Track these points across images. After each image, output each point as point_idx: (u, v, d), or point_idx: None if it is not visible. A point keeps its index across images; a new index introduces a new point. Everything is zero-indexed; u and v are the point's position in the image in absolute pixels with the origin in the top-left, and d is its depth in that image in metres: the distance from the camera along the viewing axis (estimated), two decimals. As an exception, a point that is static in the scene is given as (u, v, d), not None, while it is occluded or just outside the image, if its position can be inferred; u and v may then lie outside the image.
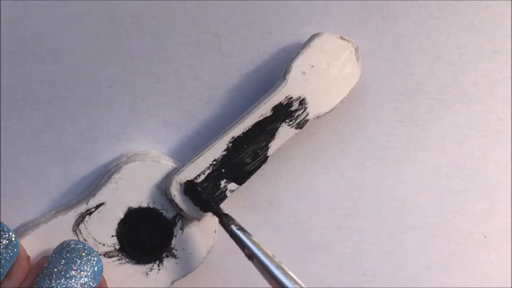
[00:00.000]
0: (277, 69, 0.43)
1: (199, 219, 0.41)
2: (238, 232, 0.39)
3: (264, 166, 0.41)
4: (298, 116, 0.41)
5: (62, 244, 0.38)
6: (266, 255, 0.38)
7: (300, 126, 0.41)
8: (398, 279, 0.46)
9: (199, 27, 0.42)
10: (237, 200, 0.44)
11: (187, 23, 0.42)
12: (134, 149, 0.43)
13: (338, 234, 0.45)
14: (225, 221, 0.39)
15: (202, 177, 0.40)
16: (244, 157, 0.41)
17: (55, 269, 0.37)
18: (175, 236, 0.41)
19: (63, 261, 0.38)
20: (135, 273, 0.41)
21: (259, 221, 0.44)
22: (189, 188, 0.40)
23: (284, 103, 0.41)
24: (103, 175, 0.42)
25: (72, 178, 0.42)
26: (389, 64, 0.44)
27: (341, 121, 0.44)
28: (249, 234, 0.39)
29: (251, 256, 0.38)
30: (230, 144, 0.40)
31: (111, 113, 0.42)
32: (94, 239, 0.40)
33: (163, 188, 0.41)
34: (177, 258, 0.41)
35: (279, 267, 0.37)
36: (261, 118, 0.41)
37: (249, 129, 0.41)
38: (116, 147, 0.43)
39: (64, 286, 0.37)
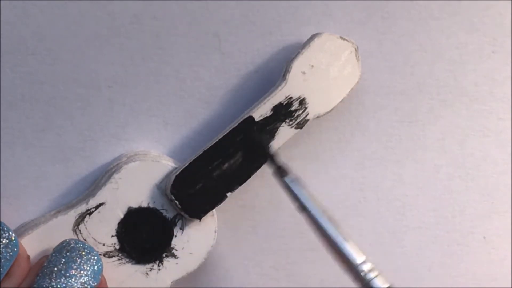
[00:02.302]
0: (277, 69, 0.43)
1: (199, 219, 0.41)
2: (292, 184, 0.39)
3: (264, 166, 0.41)
4: (298, 116, 0.41)
5: (62, 243, 0.38)
6: (318, 209, 0.38)
7: (300, 126, 0.41)
8: (398, 279, 0.46)
9: (199, 27, 0.42)
10: (237, 200, 0.44)
11: (187, 23, 0.42)
12: (134, 149, 0.43)
13: (338, 234, 0.45)
14: (280, 173, 0.39)
15: (202, 177, 0.40)
16: (244, 157, 0.41)
17: (55, 268, 0.37)
18: (175, 236, 0.41)
19: (63, 260, 0.38)
20: (135, 273, 0.41)
21: (259, 221, 0.44)
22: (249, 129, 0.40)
23: (284, 103, 0.41)
24: (103, 175, 0.42)
25: (72, 178, 0.42)
26: (389, 64, 0.44)
27: (341, 121, 0.44)
28: (302, 187, 0.39)
29: (302, 208, 0.38)
30: (230, 144, 0.40)
31: (111, 113, 0.42)
32: (94, 239, 0.40)
33: (163, 188, 0.41)
34: (177, 258, 0.41)
35: (331, 220, 0.38)
36: (261, 118, 0.41)
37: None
38: (116, 147, 0.43)
39: (64, 285, 0.37)
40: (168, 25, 0.42)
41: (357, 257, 0.37)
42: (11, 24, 0.41)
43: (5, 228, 0.37)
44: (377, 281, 0.37)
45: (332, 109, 0.42)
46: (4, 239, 0.37)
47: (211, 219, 0.41)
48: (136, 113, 0.43)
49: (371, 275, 0.37)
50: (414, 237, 0.46)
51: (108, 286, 0.40)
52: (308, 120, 0.41)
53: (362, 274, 0.37)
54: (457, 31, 0.44)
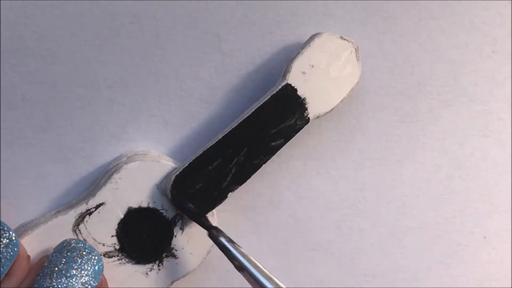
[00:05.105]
0: (277, 69, 0.43)
1: (199, 219, 0.41)
2: (228, 244, 0.38)
3: (264, 166, 0.41)
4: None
5: (62, 243, 0.38)
6: (256, 266, 0.38)
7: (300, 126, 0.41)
8: (398, 279, 0.46)
9: (199, 27, 0.42)
10: (237, 200, 0.44)
11: (187, 23, 0.42)
12: (134, 149, 0.43)
13: (338, 234, 0.45)
14: (214, 233, 0.39)
15: (202, 177, 0.40)
16: (244, 157, 0.41)
17: (56, 268, 0.37)
18: (175, 236, 0.41)
19: (64, 260, 0.38)
20: (135, 273, 0.41)
21: (259, 221, 0.44)
22: (176, 200, 0.40)
23: (284, 103, 0.41)
24: (103, 175, 0.42)
25: (72, 178, 0.42)
26: (389, 64, 0.44)
27: (341, 121, 0.44)
28: (239, 246, 0.39)
29: (240, 267, 0.38)
30: (230, 144, 0.40)
31: (111, 113, 0.42)
32: (94, 239, 0.40)
33: (163, 188, 0.41)
34: (177, 258, 0.41)
35: (269, 278, 0.37)
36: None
37: (249, 129, 0.41)
38: (116, 147, 0.43)
39: (64, 285, 0.37)
40: (168, 25, 0.42)
41: None
42: (11, 24, 0.41)
43: (5, 228, 0.37)
44: None
45: (332, 109, 0.42)
46: (5, 239, 0.37)
47: (211, 219, 0.41)
48: (136, 113, 0.43)
49: None
50: (414, 237, 0.46)
51: (108, 286, 0.40)
52: (308, 120, 0.41)
53: None
54: (457, 31, 0.44)
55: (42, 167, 0.42)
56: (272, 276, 0.38)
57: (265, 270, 0.38)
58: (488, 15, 0.44)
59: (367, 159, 0.45)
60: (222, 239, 0.39)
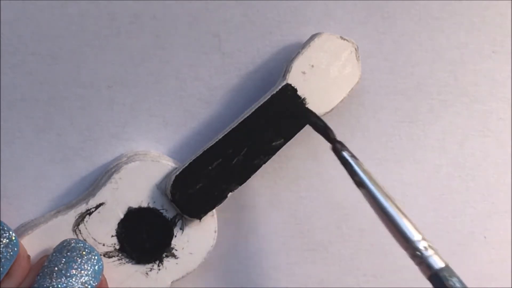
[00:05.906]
0: (277, 69, 0.43)
1: (199, 219, 0.41)
2: (350, 159, 0.39)
3: (264, 166, 0.41)
4: (298, 116, 0.41)
5: (62, 243, 0.38)
6: (375, 184, 0.38)
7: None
8: (398, 279, 0.46)
9: (199, 27, 0.42)
10: (237, 200, 0.44)
11: (187, 23, 0.42)
12: (134, 149, 0.43)
13: (338, 234, 0.45)
14: (338, 147, 0.39)
15: (202, 177, 0.40)
16: (244, 157, 0.41)
17: (56, 268, 0.37)
18: (175, 236, 0.41)
19: (64, 260, 0.38)
20: (135, 273, 0.41)
21: (259, 221, 0.44)
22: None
23: (284, 103, 0.41)
24: (103, 175, 0.42)
25: (72, 178, 0.42)
26: (389, 64, 0.44)
27: (341, 121, 0.44)
28: (361, 162, 0.39)
29: (360, 183, 0.38)
30: (230, 144, 0.40)
31: (111, 113, 0.42)
32: (94, 239, 0.40)
33: (163, 188, 0.41)
34: (177, 258, 0.41)
35: (387, 197, 0.37)
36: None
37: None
38: (116, 147, 0.43)
39: (64, 285, 0.37)
40: (168, 25, 0.42)
41: (415, 235, 0.37)
42: (11, 24, 0.41)
43: (5, 228, 0.37)
44: (434, 259, 0.37)
45: (332, 109, 0.42)
46: (5, 239, 0.37)
47: (211, 219, 0.41)
48: (136, 113, 0.43)
49: (428, 252, 0.37)
50: (414, 237, 0.46)
51: (108, 286, 0.40)
52: (308, 120, 0.41)
53: (419, 251, 0.37)
54: (457, 31, 0.44)
55: (42, 167, 0.42)
56: (390, 196, 0.38)
57: (384, 189, 0.38)
58: (488, 15, 0.44)
59: (367, 159, 0.45)
60: (345, 154, 0.39)
